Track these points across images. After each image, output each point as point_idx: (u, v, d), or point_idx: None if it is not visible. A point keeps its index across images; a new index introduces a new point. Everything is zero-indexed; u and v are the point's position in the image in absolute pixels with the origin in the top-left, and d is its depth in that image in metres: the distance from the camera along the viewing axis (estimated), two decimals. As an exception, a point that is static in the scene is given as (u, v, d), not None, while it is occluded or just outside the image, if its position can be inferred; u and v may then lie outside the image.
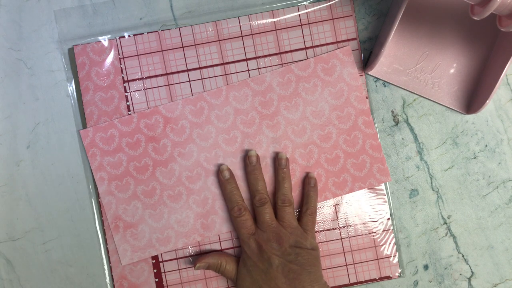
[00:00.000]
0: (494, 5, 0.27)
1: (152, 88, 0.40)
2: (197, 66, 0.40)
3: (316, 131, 0.40)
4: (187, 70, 0.40)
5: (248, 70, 0.40)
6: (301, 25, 0.40)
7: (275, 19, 0.40)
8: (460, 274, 0.41)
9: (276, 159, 0.39)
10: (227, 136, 0.40)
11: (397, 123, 0.41)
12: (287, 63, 0.40)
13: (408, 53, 0.40)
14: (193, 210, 0.40)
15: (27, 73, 0.39)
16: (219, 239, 0.40)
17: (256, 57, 0.40)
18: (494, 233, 0.42)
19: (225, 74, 0.40)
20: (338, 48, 0.40)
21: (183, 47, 0.39)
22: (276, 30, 0.40)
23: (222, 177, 0.39)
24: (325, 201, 0.40)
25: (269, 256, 0.36)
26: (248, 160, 0.39)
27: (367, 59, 0.41)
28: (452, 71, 0.40)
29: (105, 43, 0.39)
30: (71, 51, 0.39)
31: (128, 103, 0.39)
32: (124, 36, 0.39)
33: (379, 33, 0.40)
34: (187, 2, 0.39)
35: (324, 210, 0.40)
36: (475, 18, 0.30)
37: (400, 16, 0.35)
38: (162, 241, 0.39)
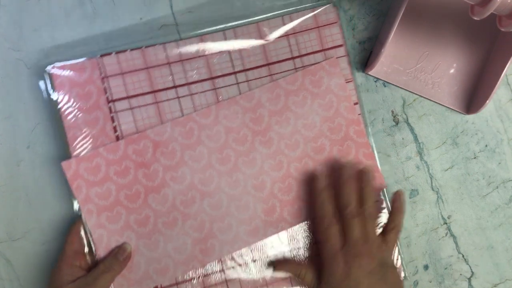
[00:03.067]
0: (494, 5, 0.27)
1: (139, 107, 0.38)
2: (185, 82, 0.38)
3: (309, 144, 0.39)
4: (175, 87, 0.38)
5: (237, 83, 0.39)
6: (287, 35, 0.39)
7: (260, 31, 0.39)
8: (460, 274, 0.41)
9: (361, 172, 0.37)
10: (220, 156, 0.39)
11: (397, 123, 0.41)
12: (276, 73, 0.39)
13: (408, 53, 0.40)
14: (190, 235, 0.38)
15: (27, 73, 0.39)
16: (221, 260, 0.39)
17: (244, 70, 0.39)
18: (494, 233, 0.42)
19: (214, 89, 0.39)
20: (325, 60, 0.40)
21: (169, 63, 0.38)
22: (262, 40, 0.39)
23: (318, 184, 0.37)
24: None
25: (357, 275, 0.34)
26: (343, 172, 0.37)
27: (367, 59, 0.41)
28: (452, 71, 0.40)
29: (85, 63, 0.37)
30: (47, 73, 0.37)
31: (114, 124, 0.38)
32: (106, 54, 0.38)
33: (379, 33, 0.40)
34: (187, 2, 0.39)
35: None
36: (475, 18, 0.30)
37: (400, 16, 0.35)
38: (160, 271, 0.38)
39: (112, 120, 0.38)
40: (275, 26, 0.39)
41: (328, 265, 0.35)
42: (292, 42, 0.39)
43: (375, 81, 0.41)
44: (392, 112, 0.41)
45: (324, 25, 0.40)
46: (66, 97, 0.37)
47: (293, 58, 0.40)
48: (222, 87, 0.39)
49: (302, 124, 0.39)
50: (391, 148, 0.41)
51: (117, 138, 0.38)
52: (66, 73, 0.37)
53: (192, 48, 0.38)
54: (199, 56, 0.39)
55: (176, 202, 0.38)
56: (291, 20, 0.39)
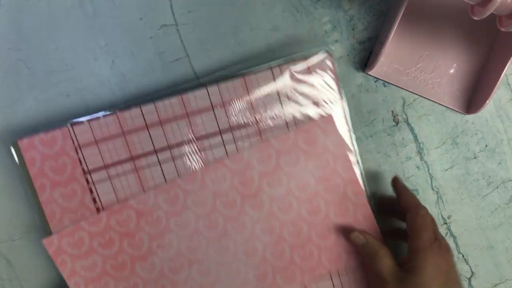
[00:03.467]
0: (494, 5, 0.27)
1: (118, 175, 0.36)
2: (166, 145, 0.36)
3: (304, 205, 0.37)
4: (155, 152, 0.36)
5: (224, 144, 0.37)
6: (280, 90, 0.36)
7: (247, 86, 0.36)
8: (460, 274, 0.41)
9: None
10: (207, 221, 0.37)
11: (397, 123, 0.41)
12: (264, 132, 0.37)
13: (408, 53, 0.40)
14: None
15: (27, 73, 0.39)
16: None
17: (231, 128, 0.36)
18: (494, 233, 0.42)
19: (199, 150, 0.36)
20: (319, 117, 0.37)
21: (147, 127, 0.36)
22: (249, 96, 0.36)
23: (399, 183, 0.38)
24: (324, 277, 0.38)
25: (453, 272, 0.33)
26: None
27: (367, 59, 0.41)
28: (452, 71, 0.40)
29: (55, 133, 0.35)
30: (15, 146, 0.35)
31: (93, 196, 0.36)
32: (78, 123, 0.36)
33: (379, 33, 0.40)
34: (187, 2, 0.39)
35: (325, 283, 0.38)
36: (475, 18, 0.30)
37: (400, 16, 0.35)
38: None
39: (91, 191, 0.36)
40: (263, 79, 0.36)
41: (421, 256, 0.32)
42: (283, 95, 0.36)
43: (375, 81, 0.41)
44: (392, 112, 0.41)
45: (317, 76, 0.36)
46: (39, 172, 0.35)
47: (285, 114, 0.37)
48: (207, 148, 0.36)
49: (296, 185, 0.37)
50: (391, 148, 0.41)
51: (98, 210, 0.36)
52: (36, 146, 0.35)
53: (171, 108, 0.36)
54: (180, 117, 0.36)
55: (164, 270, 0.37)
56: (281, 72, 0.36)
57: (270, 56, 0.40)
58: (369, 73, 0.40)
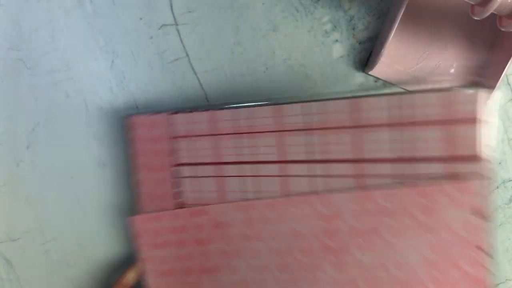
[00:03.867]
0: (494, 5, 0.27)
1: (202, 177, 0.34)
2: (253, 160, 0.32)
3: None
4: (240, 162, 0.32)
5: (311, 176, 0.30)
6: (393, 125, 0.27)
7: (356, 112, 0.29)
8: (460, 274, 0.41)
9: None
10: (279, 260, 0.32)
11: (397, 123, 0.41)
12: (365, 176, 0.29)
13: (408, 53, 0.40)
14: None
15: (27, 73, 0.39)
16: None
17: (324, 161, 0.30)
18: (494, 233, 0.42)
19: (282, 176, 0.31)
20: (448, 179, 0.27)
21: (240, 133, 0.32)
22: (354, 127, 0.29)
23: None
24: None
25: None
26: None
27: (367, 59, 0.41)
28: (452, 71, 0.40)
29: (156, 118, 0.34)
30: (126, 121, 0.35)
31: (176, 190, 0.35)
32: (178, 112, 0.34)
33: (379, 33, 0.40)
34: (187, 2, 0.39)
35: None
36: (475, 18, 0.30)
37: (400, 16, 0.35)
38: None
39: (175, 185, 0.35)
40: (378, 108, 0.28)
41: None
42: (400, 135, 0.27)
43: (375, 81, 0.41)
44: (392, 112, 0.41)
45: (461, 121, 0.26)
46: (139, 152, 0.35)
47: (395, 160, 0.28)
48: (293, 175, 0.31)
49: (394, 260, 0.29)
50: (391, 148, 0.41)
51: (179, 205, 0.35)
52: (141, 126, 0.35)
53: (266, 119, 0.31)
54: (273, 131, 0.31)
55: None
56: (402, 103, 0.27)
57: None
58: (369, 73, 0.40)
